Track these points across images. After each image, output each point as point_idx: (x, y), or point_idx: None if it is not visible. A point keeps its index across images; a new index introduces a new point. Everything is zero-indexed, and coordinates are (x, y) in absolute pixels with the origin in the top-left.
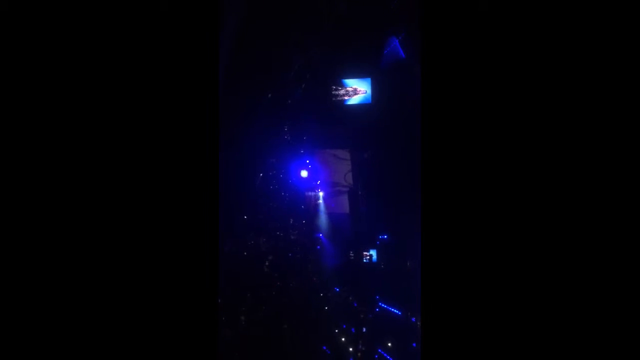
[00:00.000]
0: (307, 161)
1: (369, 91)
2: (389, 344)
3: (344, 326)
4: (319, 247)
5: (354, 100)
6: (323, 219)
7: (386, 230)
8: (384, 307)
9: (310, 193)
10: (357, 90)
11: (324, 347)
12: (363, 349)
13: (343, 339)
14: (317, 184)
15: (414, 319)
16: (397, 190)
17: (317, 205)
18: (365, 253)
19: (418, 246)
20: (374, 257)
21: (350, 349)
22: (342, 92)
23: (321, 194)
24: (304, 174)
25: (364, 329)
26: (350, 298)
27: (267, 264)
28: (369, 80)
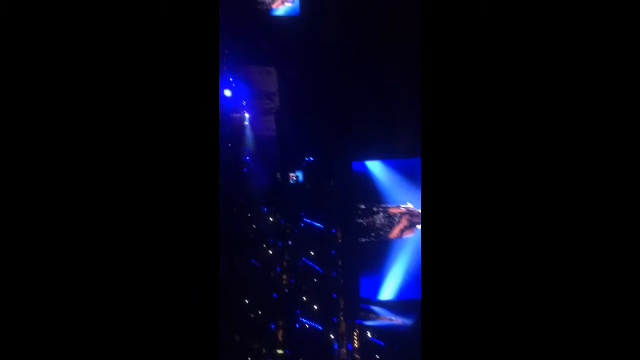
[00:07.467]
0: (231, 79)
1: (296, 0)
2: (312, 253)
3: (271, 241)
4: (245, 169)
5: (280, 10)
6: (250, 141)
7: (312, 152)
8: (308, 222)
9: (235, 114)
10: None
11: (253, 260)
12: (288, 259)
13: (270, 252)
14: (243, 104)
15: (334, 230)
16: (324, 111)
17: (243, 127)
18: (291, 174)
19: (341, 166)
20: (300, 177)
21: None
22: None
23: (247, 115)
24: (228, 93)
25: (290, 242)
26: (277, 216)
27: None
28: None
